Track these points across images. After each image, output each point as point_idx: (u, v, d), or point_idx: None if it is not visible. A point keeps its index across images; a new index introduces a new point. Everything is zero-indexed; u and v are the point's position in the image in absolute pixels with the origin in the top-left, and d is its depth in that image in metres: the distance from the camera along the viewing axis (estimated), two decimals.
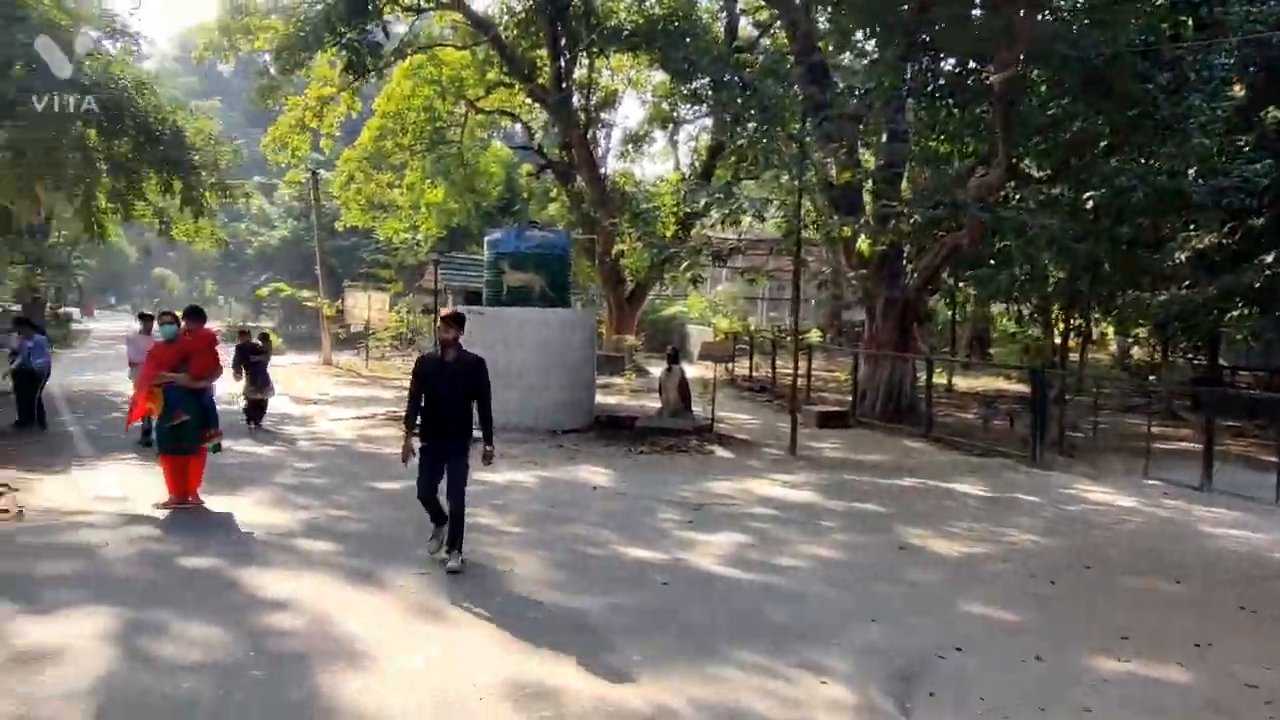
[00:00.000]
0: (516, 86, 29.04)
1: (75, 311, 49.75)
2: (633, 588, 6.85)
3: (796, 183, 13.26)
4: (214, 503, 9.11)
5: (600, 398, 18.26)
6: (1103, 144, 16.12)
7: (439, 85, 30.23)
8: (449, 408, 7.02)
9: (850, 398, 19.07)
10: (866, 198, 18.06)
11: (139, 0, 42.72)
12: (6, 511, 8.23)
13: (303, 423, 16.71)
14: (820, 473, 12.61)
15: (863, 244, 15.30)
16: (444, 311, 8.11)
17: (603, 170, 29.17)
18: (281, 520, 8.70)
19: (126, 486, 9.40)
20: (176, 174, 20.20)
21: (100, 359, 30.00)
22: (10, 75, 18.71)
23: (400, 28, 30.67)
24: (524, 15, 27.12)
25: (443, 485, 7.17)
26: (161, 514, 8.67)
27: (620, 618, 6.14)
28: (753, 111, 14.21)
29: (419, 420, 7.12)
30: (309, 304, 32.10)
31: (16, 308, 37.05)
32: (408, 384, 7.26)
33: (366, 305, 29.92)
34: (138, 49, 24.34)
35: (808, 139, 13.91)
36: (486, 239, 16.46)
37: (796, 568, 7.63)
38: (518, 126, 41.65)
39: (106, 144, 20.37)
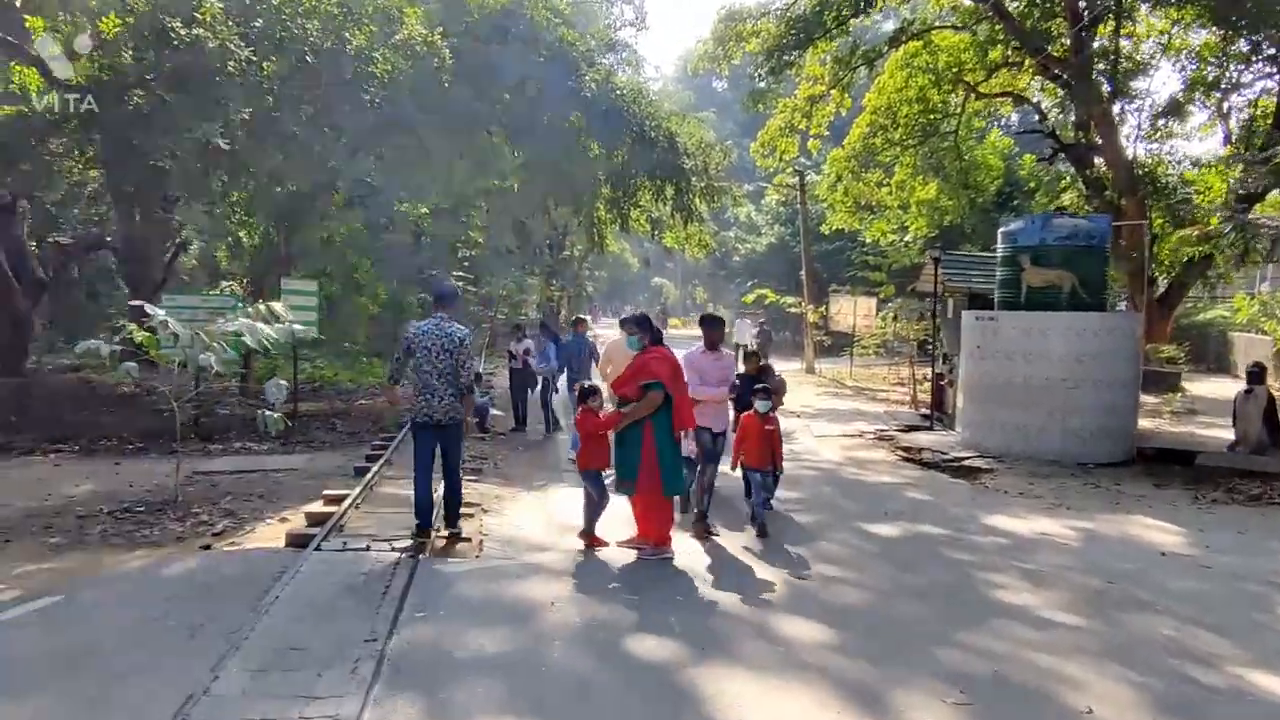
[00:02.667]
0: (1025, 64, 25.70)
1: (587, 319, 54.52)
2: None
3: None
4: (684, 543, 7.81)
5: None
6: None
7: (933, 73, 27.86)
8: None
9: None
10: None
11: (643, 15, 44.77)
12: (469, 540, 7.58)
13: (786, 438, 15.39)
14: None
15: None
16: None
17: (1129, 152, 24.74)
18: (761, 576, 7.13)
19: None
20: (669, 180, 20.10)
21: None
22: (524, 95, 19.78)
23: (890, 24, 28.96)
24: None
25: None
26: (623, 556, 7.55)
27: None
28: None
29: None
30: (793, 310, 31.38)
31: (536, 316, 41.15)
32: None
33: (852, 311, 28.39)
34: (636, 60, 25.21)
35: None
36: (1001, 230, 13.87)
37: None
38: (1016, 115, 37.96)
39: (606, 155, 20.92)
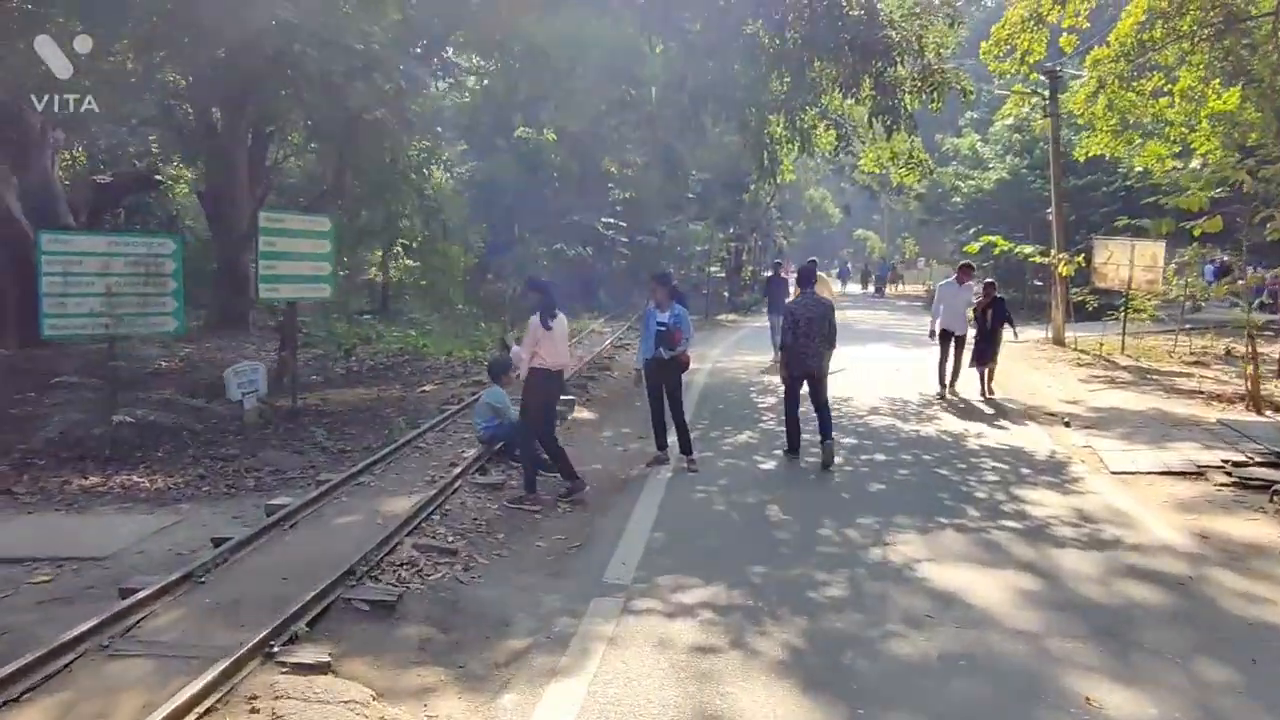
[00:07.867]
0: None
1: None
2: None
3: None
4: None
5: None
6: None
7: None
8: None
9: None
10: None
11: None
12: None
13: (1057, 478, 8.84)
14: None
15: None
16: None
17: None
18: None
19: None
20: (865, 66, 13.68)
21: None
22: None
23: None
24: None
25: None
26: None
27: None
28: None
29: None
30: (1036, 259, 23.97)
31: (719, 271, 35.04)
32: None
33: (1128, 260, 20.85)
34: None
35: None
36: None
37: None
38: None
39: (777, 41, 14.68)
